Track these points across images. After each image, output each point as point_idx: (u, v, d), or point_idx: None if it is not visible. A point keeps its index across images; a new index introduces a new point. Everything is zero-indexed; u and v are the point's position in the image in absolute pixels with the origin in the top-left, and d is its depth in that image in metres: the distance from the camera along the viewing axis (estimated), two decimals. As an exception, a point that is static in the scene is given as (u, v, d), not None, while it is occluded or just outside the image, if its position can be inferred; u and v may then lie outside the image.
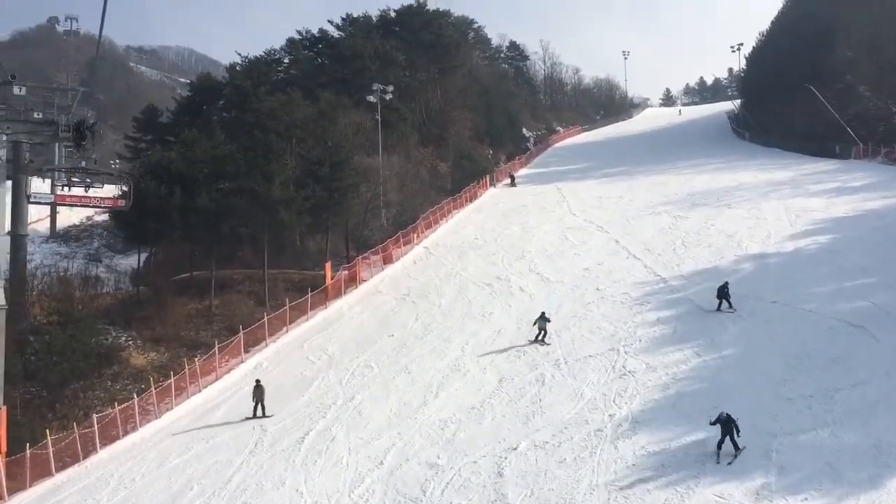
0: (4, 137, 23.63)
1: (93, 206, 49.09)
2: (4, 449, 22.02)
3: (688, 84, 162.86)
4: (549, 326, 28.33)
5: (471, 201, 55.80)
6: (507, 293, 35.26)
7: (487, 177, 61.80)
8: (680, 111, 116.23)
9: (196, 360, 29.82)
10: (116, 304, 37.23)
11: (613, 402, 22.24)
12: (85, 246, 69.79)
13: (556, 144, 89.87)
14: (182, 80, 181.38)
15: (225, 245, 40.71)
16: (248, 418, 25.34)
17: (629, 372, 24.26)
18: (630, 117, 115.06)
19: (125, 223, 40.56)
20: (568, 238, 43.33)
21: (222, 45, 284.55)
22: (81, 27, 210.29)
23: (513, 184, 63.05)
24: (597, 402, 22.48)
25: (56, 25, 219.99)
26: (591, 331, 28.84)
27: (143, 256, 45.03)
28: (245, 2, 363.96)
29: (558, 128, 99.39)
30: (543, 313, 28.57)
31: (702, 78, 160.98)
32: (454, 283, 38.06)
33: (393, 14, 78.51)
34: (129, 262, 55.32)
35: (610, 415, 21.37)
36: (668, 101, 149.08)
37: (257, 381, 26.18)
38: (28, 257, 41.93)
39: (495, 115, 79.70)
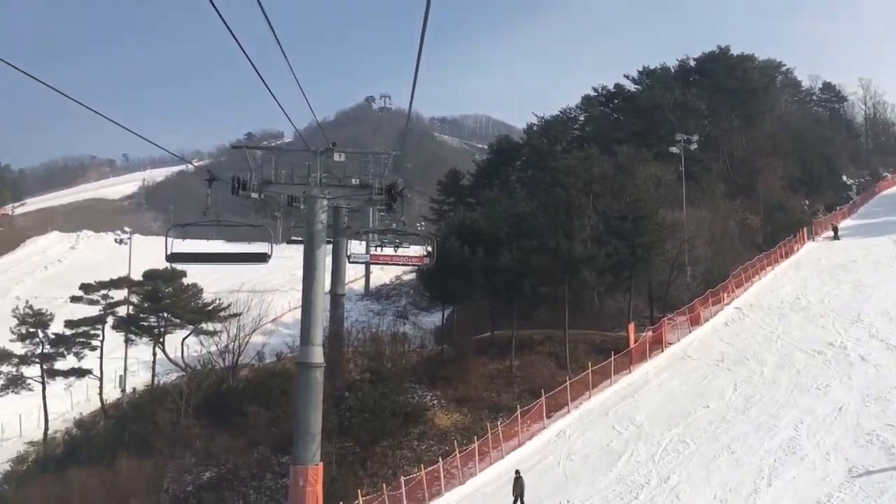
0: (326, 202, 24.83)
1: (402, 265, 51.92)
2: (321, 505, 22.48)
3: None
4: None
5: (786, 256, 50.23)
6: (845, 363, 30.35)
7: (804, 229, 55.47)
8: None
9: (498, 423, 28.96)
10: (422, 363, 37.95)
11: None
12: (394, 303, 73.70)
13: (884, 192, 79.24)
14: (479, 145, 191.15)
15: (524, 304, 40.06)
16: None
17: None
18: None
19: (430, 282, 41.60)
20: (917, 299, 36.87)
21: (517, 110, 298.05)
22: (393, 104, 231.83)
23: (836, 237, 56.08)
24: None
25: (372, 104, 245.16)
26: (970, 414, 23.44)
27: (447, 314, 46.01)
28: (537, 69, 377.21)
29: (885, 173, 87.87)
30: None
31: None
32: (776, 349, 33.78)
33: (692, 62, 75.04)
34: (433, 319, 57.25)
35: None
36: None
37: (517, 472, 23.87)
38: (345, 314, 44.92)
39: (810, 163, 72.16)
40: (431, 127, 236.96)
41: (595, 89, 73.13)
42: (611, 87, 73.02)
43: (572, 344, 37.31)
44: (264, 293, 48.42)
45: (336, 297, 37.88)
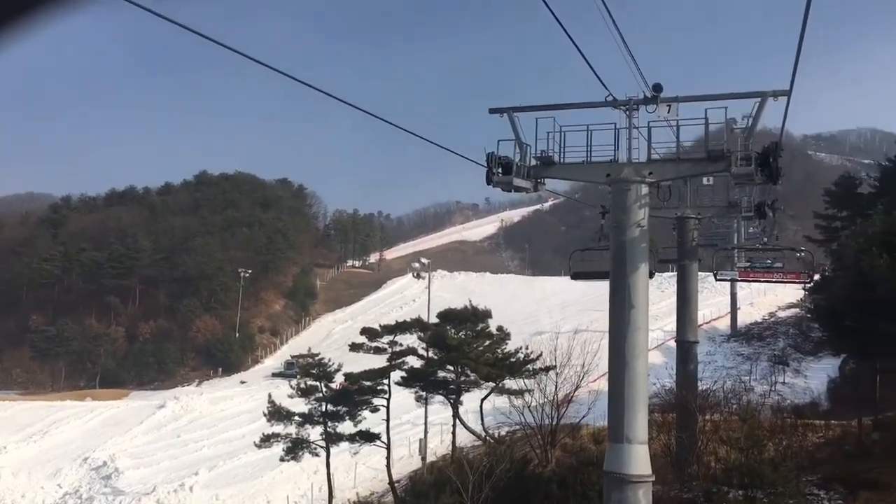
0: (645, 190, 14.17)
1: (775, 282, 40.73)
2: None
3: None
4: None
5: None
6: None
7: None
8: None
9: None
10: (826, 449, 24.52)
11: None
12: (769, 346, 61.54)
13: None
14: (866, 161, 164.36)
15: None
16: None
17: None
18: None
19: (829, 317, 28.18)
20: None
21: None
22: (758, 123, 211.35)
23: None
24: None
25: (733, 125, 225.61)
26: None
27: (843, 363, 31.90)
28: None
29: None
30: None
31: None
32: None
33: None
34: (822, 367, 46.35)
35: None
36: None
37: None
38: (706, 360, 34.11)
39: None
40: (805, 145, 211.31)
41: None
42: None
43: None
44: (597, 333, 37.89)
45: (685, 345, 26.37)
